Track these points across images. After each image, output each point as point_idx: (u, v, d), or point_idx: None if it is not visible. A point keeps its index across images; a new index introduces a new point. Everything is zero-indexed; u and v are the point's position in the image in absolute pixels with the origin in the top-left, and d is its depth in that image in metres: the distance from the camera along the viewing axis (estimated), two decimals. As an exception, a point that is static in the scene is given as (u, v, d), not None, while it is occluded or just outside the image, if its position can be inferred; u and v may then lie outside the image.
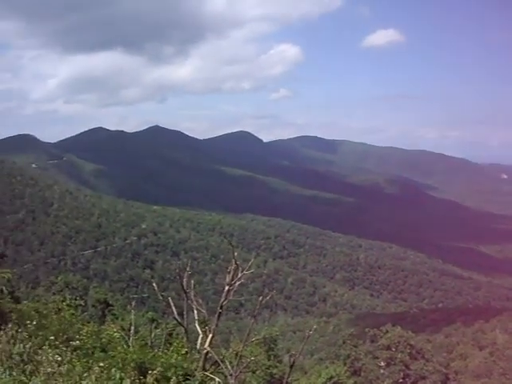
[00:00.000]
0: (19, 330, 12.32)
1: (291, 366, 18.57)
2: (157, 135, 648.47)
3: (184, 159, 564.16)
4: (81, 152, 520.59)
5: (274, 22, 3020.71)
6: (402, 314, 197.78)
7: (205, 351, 17.94)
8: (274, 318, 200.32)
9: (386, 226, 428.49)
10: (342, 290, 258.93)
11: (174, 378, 14.08)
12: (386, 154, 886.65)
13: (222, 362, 17.52)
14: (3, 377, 8.99)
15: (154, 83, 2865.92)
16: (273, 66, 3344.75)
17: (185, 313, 19.60)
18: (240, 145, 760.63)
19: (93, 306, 58.67)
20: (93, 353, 15.87)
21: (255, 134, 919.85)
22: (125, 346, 18.18)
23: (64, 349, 12.26)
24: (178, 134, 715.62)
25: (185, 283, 19.43)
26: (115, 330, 20.13)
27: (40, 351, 11.18)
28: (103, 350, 16.41)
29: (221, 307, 18.41)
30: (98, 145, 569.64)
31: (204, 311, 19.43)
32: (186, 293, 19.31)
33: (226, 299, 18.53)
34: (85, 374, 10.68)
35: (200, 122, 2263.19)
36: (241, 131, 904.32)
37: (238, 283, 18.57)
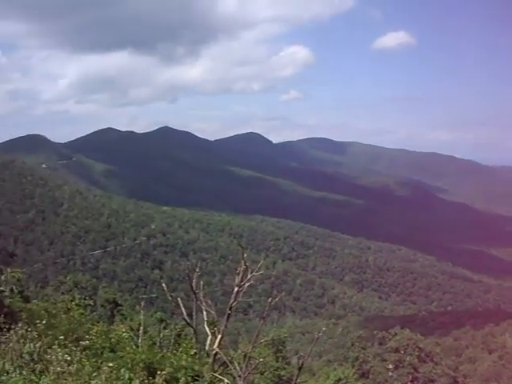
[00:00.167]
0: (29, 330, 12.35)
1: (300, 368, 18.52)
2: (167, 136, 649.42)
3: (194, 160, 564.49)
4: (91, 152, 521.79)
5: (284, 24, 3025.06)
6: (411, 317, 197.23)
7: (214, 352, 17.95)
8: (283, 319, 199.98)
9: (396, 228, 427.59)
10: (351, 292, 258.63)
11: (183, 378, 14.10)
12: (395, 156, 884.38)
13: (230, 363, 17.51)
14: (13, 376, 9.03)
15: (164, 84, 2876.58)
16: (283, 67, 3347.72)
17: (194, 314, 19.61)
18: (250, 146, 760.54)
19: (102, 305, 58.81)
20: (102, 353, 15.90)
21: (265, 136, 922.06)
22: (134, 347, 18.22)
23: (73, 348, 12.30)
24: (188, 135, 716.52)
25: (194, 284, 19.44)
26: (124, 330, 20.17)
27: (49, 350, 11.21)
28: (112, 350, 16.44)
29: (230, 308, 18.40)
30: (107, 145, 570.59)
31: (213, 312, 19.44)
32: (195, 293, 19.31)
33: (235, 300, 18.52)
34: (94, 374, 10.70)
35: (210, 123, 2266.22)
36: (250, 132, 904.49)
37: (247, 284, 18.57)
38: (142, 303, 29.44)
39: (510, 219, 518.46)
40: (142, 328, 23.05)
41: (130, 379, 11.11)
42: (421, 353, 71.85)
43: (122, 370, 11.57)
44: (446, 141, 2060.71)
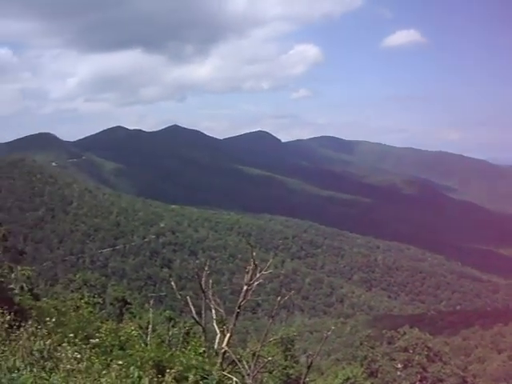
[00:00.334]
0: (39, 327, 12.40)
1: (309, 367, 18.55)
2: (175, 134, 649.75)
3: (202, 159, 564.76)
4: (100, 151, 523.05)
5: (294, 22, 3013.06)
6: (420, 316, 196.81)
7: (222, 351, 17.98)
8: (291, 318, 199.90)
9: (404, 227, 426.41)
10: (360, 291, 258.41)
11: (192, 377, 14.12)
12: (403, 155, 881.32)
13: (239, 361, 17.54)
14: (24, 373, 9.07)
15: (173, 82, 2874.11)
16: (293, 65, 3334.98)
17: (203, 312, 19.65)
18: (258, 145, 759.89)
19: (111, 303, 58.92)
20: (111, 351, 15.95)
21: (274, 134, 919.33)
22: (143, 345, 18.27)
23: (83, 346, 12.33)
24: (197, 134, 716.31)
25: (203, 282, 19.47)
26: (133, 328, 20.25)
27: (59, 348, 11.25)
28: (121, 348, 16.50)
29: (239, 307, 18.43)
30: (117, 144, 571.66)
31: (222, 311, 19.47)
32: (204, 292, 19.35)
33: (244, 299, 18.54)
34: (103, 372, 10.73)
35: (219, 122, 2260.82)
36: (259, 131, 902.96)
37: (256, 283, 18.59)
38: (151, 301, 29.50)
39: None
40: (150, 326, 23.16)
41: (140, 377, 11.14)
42: (430, 352, 71.61)
43: (132, 367, 11.61)
44: (454, 140, 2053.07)
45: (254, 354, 18.62)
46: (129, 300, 59.88)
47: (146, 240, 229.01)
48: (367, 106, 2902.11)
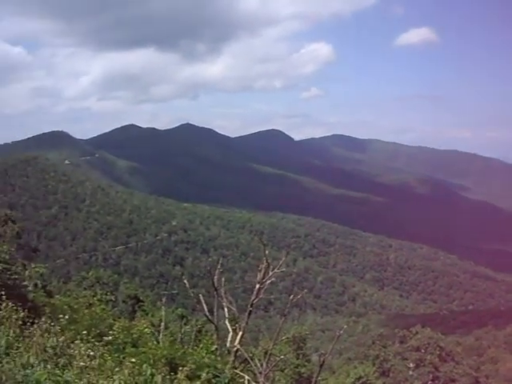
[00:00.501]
0: (52, 324, 12.46)
1: (321, 366, 18.51)
2: (188, 133, 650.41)
3: (215, 157, 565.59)
4: (113, 149, 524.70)
5: (306, 21, 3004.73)
6: (432, 316, 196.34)
7: (235, 349, 18.01)
8: (304, 316, 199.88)
9: (417, 226, 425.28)
10: (372, 290, 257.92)
11: (204, 375, 14.16)
12: (416, 154, 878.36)
13: (251, 359, 17.55)
14: (38, 369, 9.12)
15: (186, 81, 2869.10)
16: (304, 64, 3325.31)
17: (215, 310, 19.69)
18: (271, 143, 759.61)
19: (123, 301, 59.07)
20: (124, 348, 16.01)
21: (286, 133, 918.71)
22: (155, 342, 18.34)
23: (96, 343, 12.40)
24: (209, 132, 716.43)
25: (215, 280, 19.50)
26: (146, 325, 20.32)
27: (72, 345, 11.31)
28: (134, 346, 16.55)
29: (251, 305, 18.45)
30: (129, 142, 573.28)
31: (234, 309, 19.49)
32: (216, 290, 19.39)
33: (256, 297, 18.56)
34: (116, 369, 10.78)
35: (232, 120, 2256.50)
36: (272, 129, 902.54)
37: (268, 281, 18.60)
38: (163, 299, 29.60)
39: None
40: (163, 324, 23.22)
41: (152, 375, 11.17)
42: (442, 352, 71.45)
43: (144, 365, 11.65)
44: (466, 138, 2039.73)
45: (266, 353, 18.66)
46: (141, 298, 59.95)
47: (158, 238, 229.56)
48: (379, 105, 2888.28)
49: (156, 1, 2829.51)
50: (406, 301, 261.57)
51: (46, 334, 11.39)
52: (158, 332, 21.82)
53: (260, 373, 16.77)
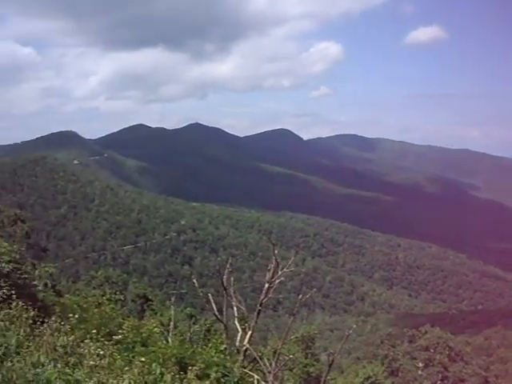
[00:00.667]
0: (62, 323, 12.52)
1: (330, 365, 18.52)
2: (197, 132, 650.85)
3: (224, 156, 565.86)
4: (122, 149, 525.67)
5: (315, 20, 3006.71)
6: (441, 315, 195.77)
7: (244, 348, 18.02)
8: (312, 316, 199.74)
9: (426, 225, 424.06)
10: (381, 289, 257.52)
11: (214, 374, 14.18)
12: (425, 153, 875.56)
13: (260, 359, 17.58)
14: (48, 368, 9.16)
15: (194, 80, 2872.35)
16: (313, 63, 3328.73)
17: (224, 309, 19.71)
18: (280, 142, 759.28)
19: (132, 300, 59.22)
20: (133, 347, 16.06)
21: (295, 132, 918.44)
22: (164, 342, 18.37)
23: (105, 342, 12.43)
24: (218, 131, 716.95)
25: (225, 280, 19.53)
26: (155, 325, 20.36)
27: (82, 344, 11.35)
28: (144, 345, 16.59)
29: (260, 304, 18.46)
30: (138, 141, 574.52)
31: (243, 308, 19.51)
32: (225, 289, 19.41)
33: (265, 296, 18.57)
34: (126, 368, 10.80)
35: (240, 120, 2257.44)
36: (281, 129, 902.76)
37: (277, 281, 18.60)
38: (172, 299, 29.56)
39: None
40: (172, 323, 23.24)
41: (162, 374, 11.20)
42: (451, 352, 71.19)
43: (154, 364, 11.68)
44: (478, 138, 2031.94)
45: (275, 352, 18.66)
46: (150, 297, 60.11)
47: (167, 237, 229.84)
48: (388, 104, 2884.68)
49: (165, 0, 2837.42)
50: (414, 300, 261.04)
51: (56, 333, 11.43)
52: (168, 331, 21.86)
53: (269, 372, 16.79)
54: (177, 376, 12.05)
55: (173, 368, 13.06)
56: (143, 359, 11.76)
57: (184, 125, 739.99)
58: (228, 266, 20.53)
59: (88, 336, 12.36)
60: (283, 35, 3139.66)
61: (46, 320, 12.81)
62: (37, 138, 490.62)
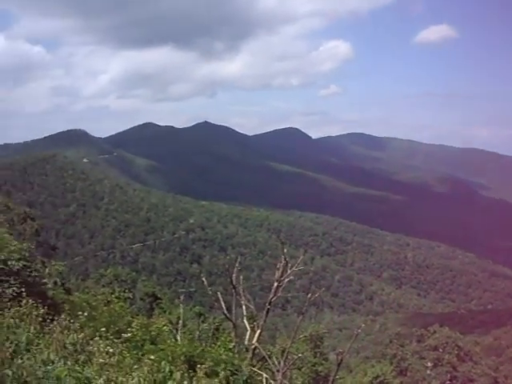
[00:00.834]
0: (71, 321, 12.57)
1: (339, 364, 18.47)
2: (206, 131, 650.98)
3: (232, 155, 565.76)
4: (131, 147, 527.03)
5: (324, 18, 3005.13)
6: (450, 315, 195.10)
7: (253, 347, 18.03)
8: (321, 315, 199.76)
9: (435, 224, 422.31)
10: (389, 288, 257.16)
11: (222, 372, 14.19)
12: (434, 152, 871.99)
13: (269, 357, 17.58)
14: (58, 365, 9.20)
15: (204, 79, 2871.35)
16: (323, 62, 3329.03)
17: (233, 308, 19.73)
18: (288, 141, 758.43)
19: (141, 299, 59.29)
20: (142, 345, 16.10)
21: (304, 131, 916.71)
22: (173, 340, 18.41)
23: (115, 340, 12.48)
24: (227, 130, 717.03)
25: (234, 279, 19.54)
26: (164, 323, 20.40)
27: (92, 342, 11.39)
28: (153, 343, 16.64)
29: (269, 303, 18.46)
30: (147, 140, 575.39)
31: (252, 307, 19.52)
32: (234, 288, 19.42)
33: (274, 295, 18.58)
34: (135, 366, 10.83)
35: (249, 118, 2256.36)
36: (289, 127, 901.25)
37: (286, 280, 18.61)
38: (181, 297, 29.68)
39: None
40: (181, 321, 23.27)
41: (171, 372, 11.21)
42: (460, 351, 71.12)
43: (163, 362, 11.69)
44: (487, 137, 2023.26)
45: (283, 351, 18.63)
46: (159, 295, 60.20)
47: (175, 236, 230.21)
48: (397, 103, 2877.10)
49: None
50: (423, 300, 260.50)
51: (66, 331, 11.49)
52: (176, 330, 21.89)
53: (278, 371, 16.78)
54: (186, 374, 12.07)
55: (182, 366, 13.08)
56: (152, 357, 11.79)
57: (193, 123, 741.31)
58: (237, 264, 20.55)
59: (97, 334, 12.40)
60: (293, 34, 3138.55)
61: (56, 318, 12.88)
62: (46, 137, 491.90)
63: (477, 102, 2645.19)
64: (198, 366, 13.06)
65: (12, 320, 11.40)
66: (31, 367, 8.87)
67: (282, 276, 18.50)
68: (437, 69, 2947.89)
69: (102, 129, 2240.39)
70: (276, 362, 17.29)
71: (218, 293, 20.56)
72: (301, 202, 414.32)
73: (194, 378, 12.18)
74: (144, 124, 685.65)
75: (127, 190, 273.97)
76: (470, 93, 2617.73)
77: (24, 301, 13.02)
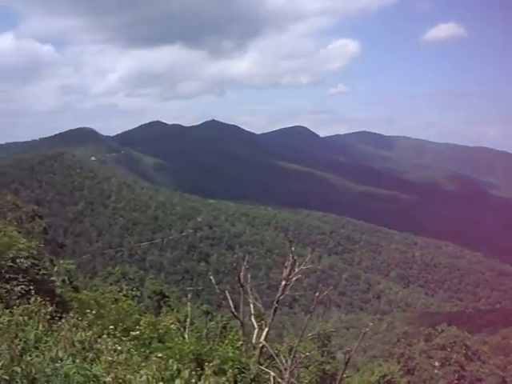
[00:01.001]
0: (79, 319, 12.61)
1: (346, 363, 18.48)
2: (213, 129, 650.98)
3: (240, 153, 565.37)
4: (139, 145, 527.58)
5: (333, 16, 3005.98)
6: (458, 314, 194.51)
7: (260, 345, 18.04)
8: (328, 314, 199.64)
9: (443, 223, 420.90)
10: (397, 287, 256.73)
11: (230, 370, 14.20)
12: (443, 151, 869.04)
13: (276, 356, 17.59)
14: (67, 363, 9.23)
15: (212, 77, 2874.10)
16: (331, 60, 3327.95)
17: (241, 306, 19.74)
18: (296, 140, 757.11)
19: (149, 297, 59.33)
20: (150, 343, 16.14)
21: (312, 129, 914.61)
22: (181, 338, 18.43)
23: (123, 338, 12.51)
24: (235, 129, 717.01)
25: (241, 277, 19.55)
26: (171, 321, 20.43)
27: (100, 340, 11.42)
28: (160, 341, 16.67)
29: (277, 302, 18.47)
30: (155, 138, 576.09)
31: (260, 305, 19.53)
32: (242, 286, 19.43)
33: (282, 294, 18.58)
34: (143, 364, 10.86)
35: (258, 117, 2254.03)
36: (297, 126, 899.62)
37: (294, 278, 18.60)
38: (189, 295, 29.69)
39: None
40: (188, 320, 23.30)
41: (179, 370, 11.23)
42: (468, 351, 70.91)
43: (171, 360, 11.70)
44: (496, 136, 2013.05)
45: (291, 349, 18.67)
46: (166, 293, 60.21)
47: (183, 234, 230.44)
48: (406, 101, 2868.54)
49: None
50: (431, 299, 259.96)
51: (74, 329, 11.51)
52: (184, 328, 21.92)
53: (285, 369, 16.79)
54: (194, 372, 12.08)
55: (190, 364, 13.11)
56: (160, 355, 11.80)
57: (200, 122, 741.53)
58: (244, 263, 20.56)
59: (105, 332, 12.43)
60: (301, 32, 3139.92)
61: (64, 315, 12.92)
62: (55, 135, 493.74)
63: (486, 100, 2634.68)
64: (206, 364, 13.06)
65: (21, 318, 11.44)
66: (40, 364, 8.90)
67: (289, 274, 18.51)
68: (445, 67, 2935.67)
69: (110, 127, 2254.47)
70: (283, 361, 17.30)
71: (226, 291, 20.59)
72: (308, 200, 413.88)
73: (202, 376, 12.19)
74: (151, 122, 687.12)
75: (135, 188, 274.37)
76: (479, 91, 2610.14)
77: (32, 298, 13.08)
